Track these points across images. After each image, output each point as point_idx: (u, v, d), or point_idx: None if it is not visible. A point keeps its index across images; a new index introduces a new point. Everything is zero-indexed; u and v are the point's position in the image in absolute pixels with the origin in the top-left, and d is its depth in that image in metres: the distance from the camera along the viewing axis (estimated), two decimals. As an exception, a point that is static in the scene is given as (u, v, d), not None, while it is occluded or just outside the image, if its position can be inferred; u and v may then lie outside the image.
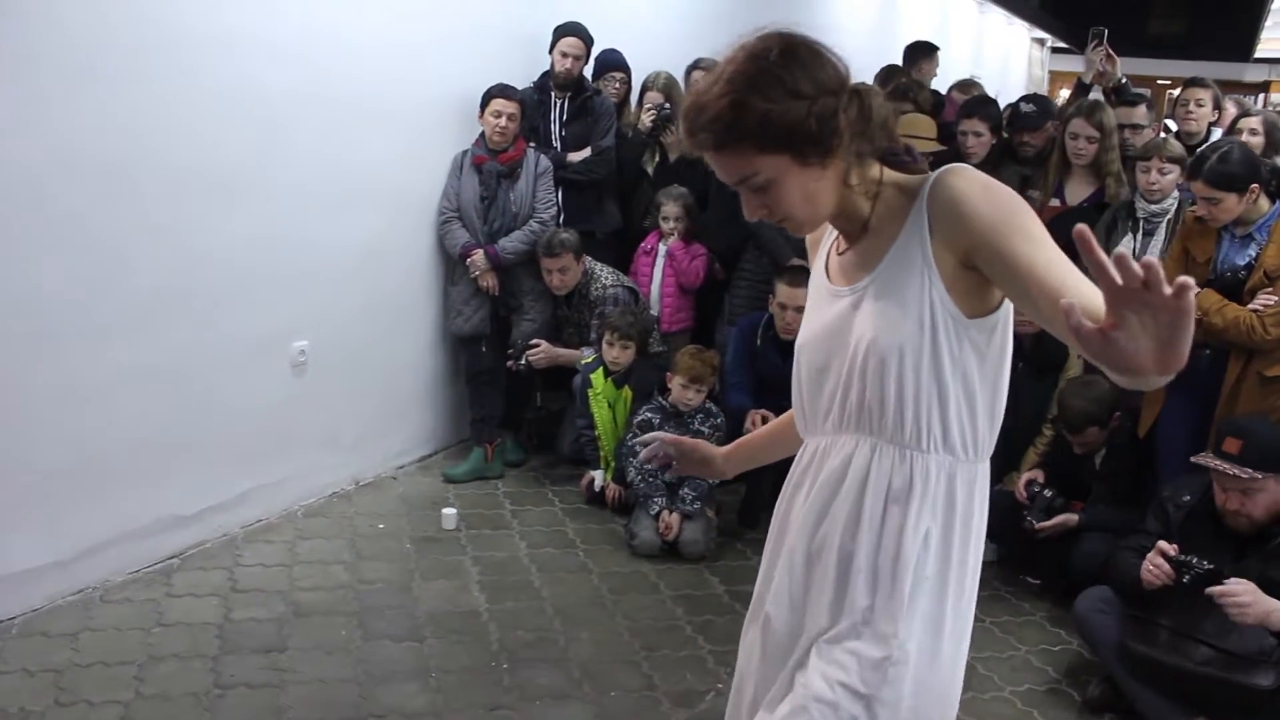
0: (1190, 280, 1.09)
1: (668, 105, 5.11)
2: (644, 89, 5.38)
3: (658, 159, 5.38)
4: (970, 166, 1.55)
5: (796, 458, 1.79)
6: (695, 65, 5.21)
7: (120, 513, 3.80)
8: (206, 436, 4.08)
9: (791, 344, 1.81)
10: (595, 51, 5.29)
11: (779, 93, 1.47)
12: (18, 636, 3.42)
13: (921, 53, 7.43)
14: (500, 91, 4.80)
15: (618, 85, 5.46)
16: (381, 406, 4.92)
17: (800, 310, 2.15)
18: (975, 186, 1.51)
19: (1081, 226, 1.13)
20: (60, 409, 3.56)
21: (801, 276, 4.00)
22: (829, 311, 1.67)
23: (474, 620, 3.71)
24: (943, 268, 1.53)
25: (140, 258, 3.74)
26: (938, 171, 1.55)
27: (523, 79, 5.11)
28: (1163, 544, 3.14)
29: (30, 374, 3.47)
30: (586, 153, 5.14)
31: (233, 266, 4.08)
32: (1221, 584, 2.93)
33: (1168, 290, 1.09)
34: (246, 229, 4.11)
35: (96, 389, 3.65)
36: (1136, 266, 1.08)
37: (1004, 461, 4.38)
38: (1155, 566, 3.11)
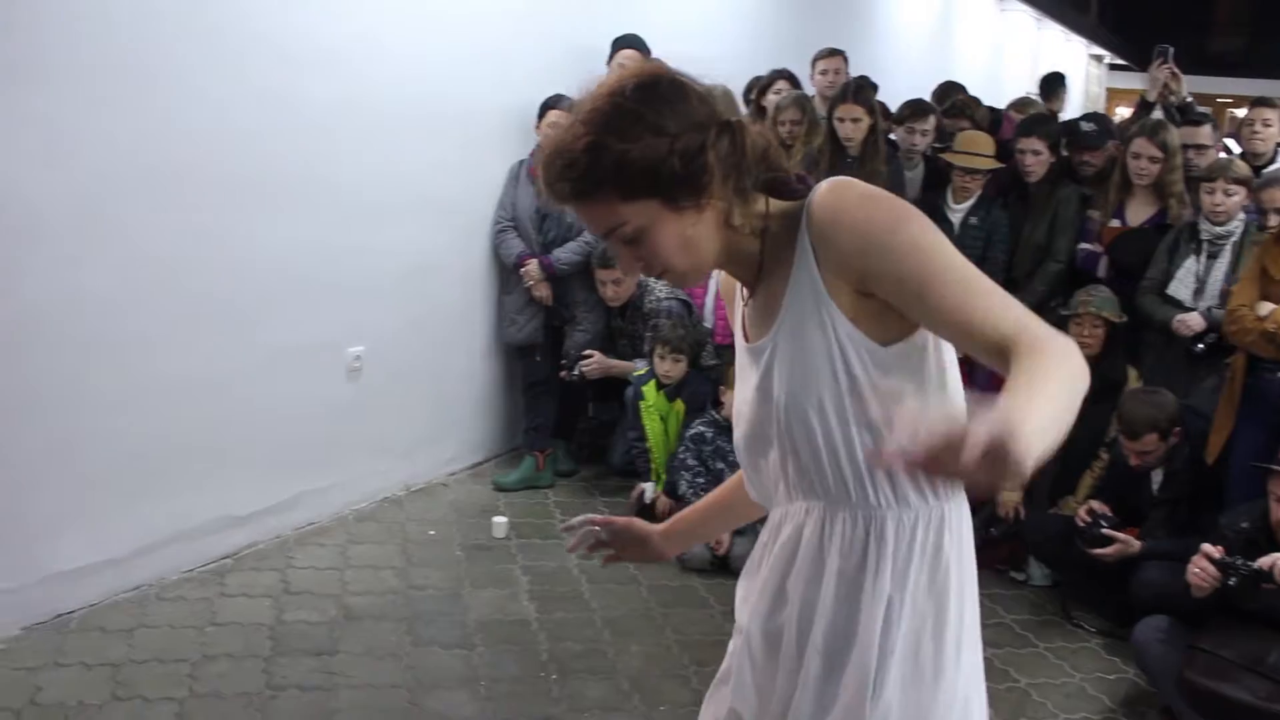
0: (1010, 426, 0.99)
1: None
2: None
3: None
4: (847, 177, 1.40)
5: (760, 535, 1.64)
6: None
7: (176, 512, 3.84)
8: (261, 439, 4.12)
9: None
10: (650, 64, 5.30)
11: (638, 130, 1.33)
12: (76, 631, 3.47)
13: (1059, 83, 8.19)
14: (558, 103, 4.81)
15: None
16: (434, 413, 4.95)
17: None
18: (849, 200, 1.36)
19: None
20: (119, 411, 3.61)
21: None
22: (753, 376, 1.51)
23: (524, 630, 3.71)
24: (840, 299, 1.37)
25: (196, 263, 3.79)
26: (810, 196, 1.39)
27: (580, 90, 5.12)
28: (1207, 546, 3.13)
29: (89, 377, 3.52)
30: (643, 164, 5.14)
31: (289, 273, 4.12)
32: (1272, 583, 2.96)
33: (975, 454, 0.97)
34: (305, 235, 4.15)
35: (155, 392, 3.70)
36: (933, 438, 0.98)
37: (1059, 486, 4.33)
38: (1201, 569, 3.10)
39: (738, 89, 5.48)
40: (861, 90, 4.95)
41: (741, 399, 1.56)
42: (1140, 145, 4.56)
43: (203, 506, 3.94)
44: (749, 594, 1.62)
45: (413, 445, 4.86)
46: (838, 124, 4.87)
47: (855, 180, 1.39)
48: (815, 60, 5.85)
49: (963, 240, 4.81)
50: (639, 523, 1.91)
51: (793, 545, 1.52)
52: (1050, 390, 1.13)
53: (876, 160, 4.84)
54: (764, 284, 1.46)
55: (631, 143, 1.32)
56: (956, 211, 4.86)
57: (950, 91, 6.53)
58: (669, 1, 6.07)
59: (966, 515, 1.51)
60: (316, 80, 4.12)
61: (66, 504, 3.52)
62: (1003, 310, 1.25)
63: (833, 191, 1.37)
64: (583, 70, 5.44)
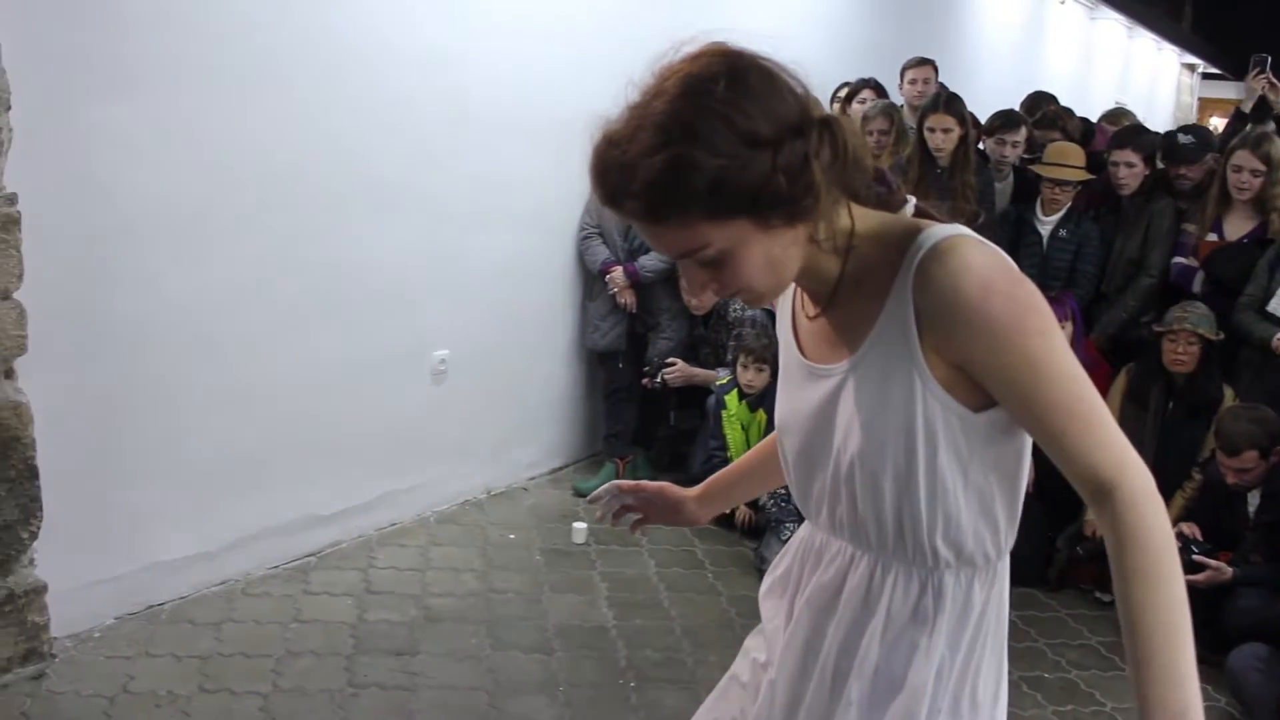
0: None
1: None
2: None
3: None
4: (966, 244, 1.21)
5: (792, 543, 1.55)
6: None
7: (263, 509, 3.92)
8: (347, 440, 4.19)
9: None
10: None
11: (731, 141, 1.11)
12: (167, 622, 3.56)
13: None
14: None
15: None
16: (516, 417, 4.98)
17: None
18: (970, 289, 1.17)
19: None
20: (215, 409, 3.70)
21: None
22: (808, 394, 1.37)
23: (602, 636, 3.72)
24: (935, 369, 1.23)
25: (291, 267, 3.86)
26: (926, 249, 1.21)
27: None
28: None
29: (186, 376, 3.60)
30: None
31: (380, 276, 4.18)
32: None
33: None
34: (394, 241, 4.21)
35: (246, 391, 3.78)
36: None
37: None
38: None
39: (823, 98, 5.49)
40: (953, 100, 4.88)
41: (792, 409, 1.40)
42: (1242, 158, 4.44)
43: (289, 504, 4.01)
44: (774, 614, 1.54)
45: (494, 449, 4.89)
46: (928, 134, 4.80)
47: (974, 251, 1.20)
48: (905, 69, 5.79)
49: (1051, 253, 4.73)
50: (671, 488, 1.81)
51: (834, 589, 1.40)
52: (1183, 625, 1.18)
53: (966, 171, 4.77)
54: (837, 308, 1.31)
55: (725, 158, 1.11)
56: (1045, 224, 4.79)
57: (1040, 102, 6.43)
58: (757, 8, 6.05)
59: (1008, 565, 1.41)
60: (416, 87, 4.18)
61: (164, 498, 3.60)
62: (1102, 446, 1.19)
63: (954, 262, 1.19)
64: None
